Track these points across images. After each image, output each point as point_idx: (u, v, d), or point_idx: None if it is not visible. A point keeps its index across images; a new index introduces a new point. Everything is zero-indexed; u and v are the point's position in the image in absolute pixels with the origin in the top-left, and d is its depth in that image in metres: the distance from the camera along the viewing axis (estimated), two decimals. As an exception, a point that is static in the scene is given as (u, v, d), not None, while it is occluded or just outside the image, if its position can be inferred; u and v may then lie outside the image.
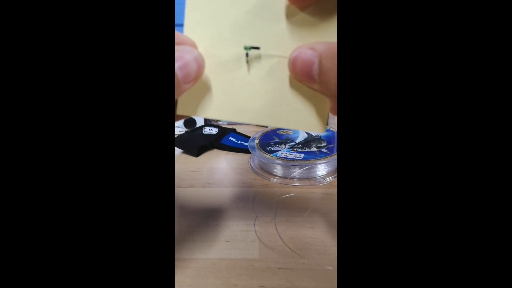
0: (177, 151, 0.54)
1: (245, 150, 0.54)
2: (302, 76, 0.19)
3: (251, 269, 0.29)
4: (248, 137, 0.58)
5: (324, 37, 0.20)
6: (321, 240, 0.32)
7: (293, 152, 0.46)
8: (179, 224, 0.35)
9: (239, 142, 0.57)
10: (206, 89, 0.21)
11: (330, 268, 0.28)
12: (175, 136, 0.59)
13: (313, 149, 0.47)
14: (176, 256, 0.31)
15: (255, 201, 0.39)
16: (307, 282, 0.27)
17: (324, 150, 0.46)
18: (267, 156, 0.45)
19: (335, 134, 0.51)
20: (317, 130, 0.21)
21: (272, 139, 0.51)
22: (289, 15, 0.20)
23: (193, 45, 0.21)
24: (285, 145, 0.49)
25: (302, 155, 0.45)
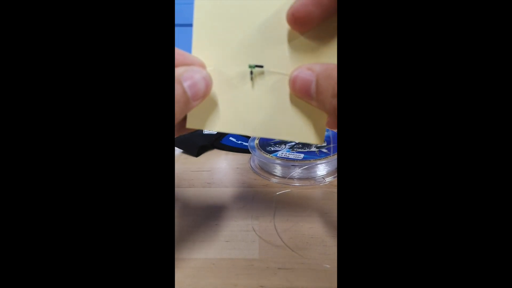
0: (177, 151, 0.54)
1: (245, 150, 0.54)
2: (301, 94, 0.21)
3: (251, 269, 0.29)
4: (248, 137, 0.58)
5: (322, 58, 0.21)
6: (321, 240, 0.32)
7: (293, 152, 0.46)
8: (179, 224, 0.35)
9: (239, 142, 0.57)
10: (213, 104, 0.23)
11: (328, 266, 0.28)
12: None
13: (313, 149, 0.47)
14: (176, 256, 0.31)
15: (255, 201, 0.39)
16: (307, 282, 0.27)
17: (324, 150, 0.46)
18: (267, 156, 0.45)
19: (335, 134, 0.51)
20: (315, 141, 0.23)
21: (272, 139, 0.51)
22: (290, 38, 0.22)
23: (202, 66, 0.22)
24: (285, 145, 0.49)
25: (302, 155, 0.45)
